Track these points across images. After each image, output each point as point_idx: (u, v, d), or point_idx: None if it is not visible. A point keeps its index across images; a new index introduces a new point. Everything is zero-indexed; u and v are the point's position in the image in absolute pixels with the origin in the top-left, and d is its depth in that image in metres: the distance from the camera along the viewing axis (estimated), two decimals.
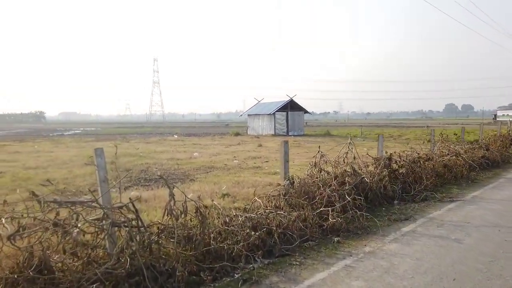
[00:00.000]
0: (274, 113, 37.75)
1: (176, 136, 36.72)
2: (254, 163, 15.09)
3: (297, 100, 39.58)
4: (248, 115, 42.31)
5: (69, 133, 50.37)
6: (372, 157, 9.69)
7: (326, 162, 8.25)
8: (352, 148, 8.73)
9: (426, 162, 11.01)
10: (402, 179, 9.14)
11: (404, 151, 11.16)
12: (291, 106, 38.99)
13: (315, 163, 8.09)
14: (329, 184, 7.26)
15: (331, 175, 7.71)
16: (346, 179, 7.66)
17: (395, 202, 8.26)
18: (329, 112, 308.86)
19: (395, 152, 10.35)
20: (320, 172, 7.89)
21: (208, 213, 5.67)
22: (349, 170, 7.97)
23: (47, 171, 12.77)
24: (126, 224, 4.29)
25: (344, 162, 8.20)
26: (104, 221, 4.23)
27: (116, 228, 4.42)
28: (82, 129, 71.83)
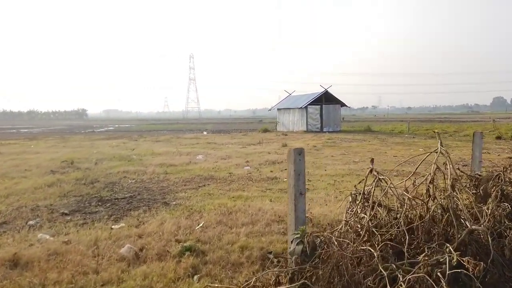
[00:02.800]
0: (306, 107, 33.39)
1: (205, 133, 34.59)
2: (271, 171, 11.12)
3: (333, 93, 34.96)
4: (278, 109, 38.18)
5: (102, 130, 49.93)
6: (465, 173, 5.43)
7: (385, 191, 4.12)
8: (444, 163, 4.56)
9: None
10: None
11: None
12: (325, 99, 34.45)
13: (365, 194, 3.99)
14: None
15: (400, 221, 3.62)
16: (435, 230, 3.54)
17: None
18: (367, 107, 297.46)
19: (501, 166, 6.05)
20: (374, 213, 3.79)
21: None
22: (438, 211, 3.81)
23: None
24: None
25: (430, 194, 3.98)
26: None
27: None
28: (117, 125, 71.11)
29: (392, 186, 3.82)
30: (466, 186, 5.58)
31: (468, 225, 3.95)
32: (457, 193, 4.19)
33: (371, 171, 3.99)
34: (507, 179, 5.53)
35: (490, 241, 3.49)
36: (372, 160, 4.16)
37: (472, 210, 5.03)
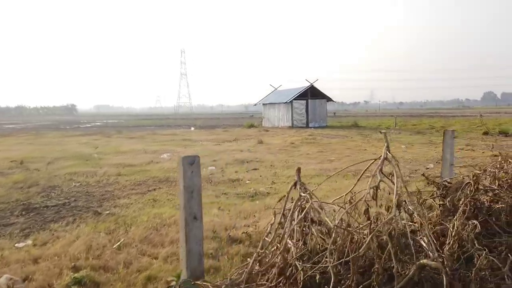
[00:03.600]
0: (291, 102, 32.49)
1: (193, 128, 33.71)
2: (236, 171, 10.23)
3: (324, 88, 34.09)
4: (263, 104, 37.23)
5: (88, 125, 48.86)
6: (432, 181, 4.60)
7: (317, 211, 3.22)
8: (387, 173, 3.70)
9: None
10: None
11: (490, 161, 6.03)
12: (312, 93, 33.58)
13: (285, 215, 3.09)
14: None
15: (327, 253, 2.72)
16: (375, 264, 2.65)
17: None
18: (359, 102, 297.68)
19: (478, 167, 5.21)
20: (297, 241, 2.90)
21: None
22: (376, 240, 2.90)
23: None
24: None
25: (369, 217, 3.06)
26: None
27: None
28: (105, 121, 69.69)
29: (316, 202, 2.92)
30: (433, 196, 4.76)
31: (429, 252, 3.12)
32: (413, 210, 3.33)
33: (295, 184, 3.09)
34: (481, 188, 4.74)
35: (445, 281, 2.61)
36: (298, 170, 3.27)
37: (437, 227, 4.22)
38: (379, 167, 3.22)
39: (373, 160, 3.47)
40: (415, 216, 3.87)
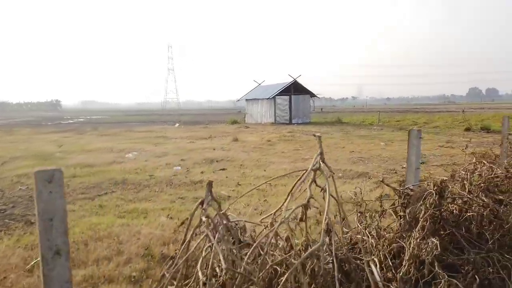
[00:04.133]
0: (274, 97, 31.88)
1: (177, 125, 32.86)
2: (202, 172, 9.61)
3: (314, 85, 33.53)
4: (246, 100, 36.54)
5: (70, 121, 47.72)
6: (393, 188, 4.07)
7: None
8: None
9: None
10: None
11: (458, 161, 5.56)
12: (295, 89, 32.99)
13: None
14: None
15: None
16: None
17: None
18: (347, 98, 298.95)
19: (452, 168, 4.74)
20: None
21: None
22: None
23: None
24: None
25: (291, 244, 2.48)
26: None
27: None
28: (89, 117, 68.18)
29: (235, 221, 2.32)
30: (395, 205, 4.23)
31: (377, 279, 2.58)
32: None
33: (201, 203, 2.48)
34: (449, 195, 4.25)
35: None
36: (209, 185, 2.67)
37: (394, 245, 3.71)
38: (310, 181, 2.64)
39: (303, 173, 2.88)
40: (365, 233, 3.33)
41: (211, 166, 10.34)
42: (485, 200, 4.41)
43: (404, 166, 10.28)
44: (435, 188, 3.90)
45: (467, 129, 22.29)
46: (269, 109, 32.48)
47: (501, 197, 4.89)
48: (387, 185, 3.98)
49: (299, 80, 33.00)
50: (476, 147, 12.25)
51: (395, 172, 9.13)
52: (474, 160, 5.87)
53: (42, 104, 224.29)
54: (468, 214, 4.20)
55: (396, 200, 4.06)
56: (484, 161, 5.85)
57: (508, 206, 4.74)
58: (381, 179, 4.19)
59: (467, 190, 4.79)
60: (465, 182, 5.03)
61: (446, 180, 4.51)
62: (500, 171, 5.83)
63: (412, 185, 4.30)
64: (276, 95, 31.98)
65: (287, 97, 32.41)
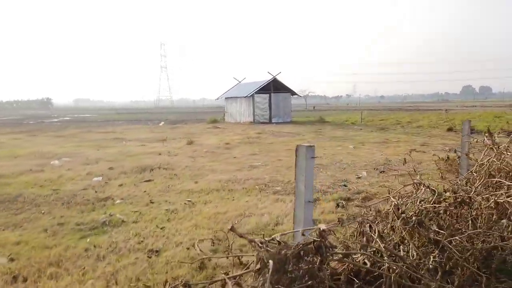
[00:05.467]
0: (252, 96, 30.45)
1: (162, 124, 31.63)
2: (120, 184, 8.19)
3: (282, 81, 32.13)
4: (226, 98, 35.09)
5: (53, 120, 46.09)
6: (249, 240, 2.62)
7: None
8: None
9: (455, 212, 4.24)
10: None
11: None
12: (275, 87, 31.61)
13: None
14: None
15: None
16: None
17: None
18: (341, 96, 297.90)
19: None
20: None
21: None
22: None
23: None
24: None
25: None
26: None
27: None
28: (76, 115, 66.54)
29: None
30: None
31: None
32: None
33: None
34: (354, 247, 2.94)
35: None
36: None
37: None
38: None
39: None
40: None
41: (138, 177, 8.92)
42: (402, 254, 3.07)
43: (360, 175, 8.94)
44: (315, 243, 2.62)
45: (450, 129, 21.05)
46: (248, 108, 31.08)
47: (438, 237, 3.62)
48: (241, 236, 2.59)
49: (279, 78, 31.62)
50: (450, 151, 10.97)
51: (344, 185, 7.76)
52: (413, 184, 4.62)
53: (33, 102, 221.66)
54: (379, 272, 2.93)
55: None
56: (424, 184, 4.64)
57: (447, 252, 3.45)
58: (230, 227, 2.78)
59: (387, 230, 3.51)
60: (389, 219, 3.78)
61: (363, 217, 3.23)
62: (445, 196, 4.57)
63: (301, 229, 2.93)
64: (255, 93, 30.57)
65: (266, 96, 31.02)
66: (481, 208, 4.64)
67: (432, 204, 4.02)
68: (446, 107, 79.68)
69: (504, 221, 4.06)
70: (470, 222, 4.12)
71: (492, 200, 4.44)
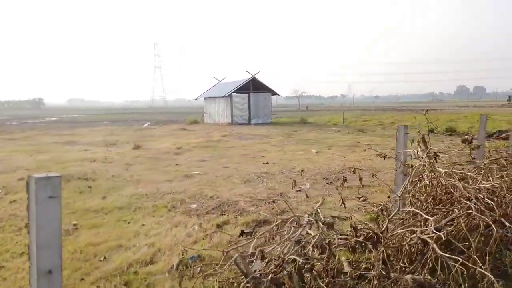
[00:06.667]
0: (230, 95, 29.16)
1: (147, 124, 30.53)
2: (13, 201, 6.88)
3: (262, 80, 30.85)
4: (205, 98, 33.79)
5: (37, 121, 44.32)
6: None
7: None
8: None
9: None
10: None
11: None
12: (254, 87, 30.34)
13: None
14: None
15: None
16: None
17: None
18: (336, 96, 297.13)
19: None
20: None
21: None
22: None
23: None
24: None
25: None
26: None
27: None
28: (64, 116, 64.87)
29: None
30: None
31: None
32: None
33: None
34: None
35: None
36: None
37: None
38: None
39: None
40: None
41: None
42: None
43: (301, 188, 7.68)
44: None
45: (431, 131, 19.87)
46: (226, 109, 29.79)
47: None
48: None
49: (259, 77, 30.35)
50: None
51: (273, 202, 6.50)
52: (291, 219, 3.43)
53: (25, 102, 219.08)
54: None
55: None
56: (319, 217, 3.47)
57: None
58: None
59: None
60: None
61: None
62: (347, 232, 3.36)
63: None
64: (234, 93, 29.29)
65: (245, 95, 29.74)
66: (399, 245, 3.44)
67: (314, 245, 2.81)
68: (439, 107, 78.90)
69: (408, 277, 2.83)
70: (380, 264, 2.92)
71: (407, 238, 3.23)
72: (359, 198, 6.77)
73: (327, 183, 7.92)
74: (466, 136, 4.42)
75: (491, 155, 6.45)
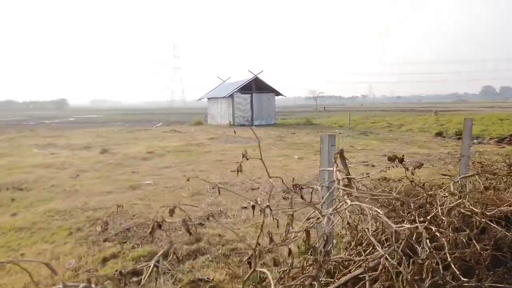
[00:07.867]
0: (231, 96, 28.13)
1: (159, 124, 30.33)
2: None
3: (265, 80, 29.66)
4: (208, 99, 32.88)
5: (55, 121, 44.70)
6: None
7: None
8: None
9: None
10: None
11: None
12: (257, 87, 29.20)
13: None
14: None
15: None
16: None
17: None
18: (357, 97, 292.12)
19: None
20: None
21: None
22: None
23: None
24: None
25: None
26: None
27: None
28: (83, 116, 65.53)
29: None
30: None
31: None
32: None
33: None
34: None
35: None
36: None
37: None
38: None
39: None
40: None
41: None
42: None
43: (234, 213, 6.35)
44: None
45: (438, 134, 18.31)
46: (227, 109, 28.77)
47: None
48: None
49: (262, 77, 29.19)
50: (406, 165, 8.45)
51: (207, 219, 5.39)
52: None
53: (49, 103, 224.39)
54: None
55: None
56: None
57: None
58: None
59: None
60: None
61: None
62: None
63: None
64: (236, 93, 28.24)
65: (248, 96, 28.64)
66: None
67: None
68: (462, 107, 75.51)
69: None
70: None
71: None
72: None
73: (283, 198, 6.74)
74: (394, 155, 3.18)
75: (477, 169, 5.15)
